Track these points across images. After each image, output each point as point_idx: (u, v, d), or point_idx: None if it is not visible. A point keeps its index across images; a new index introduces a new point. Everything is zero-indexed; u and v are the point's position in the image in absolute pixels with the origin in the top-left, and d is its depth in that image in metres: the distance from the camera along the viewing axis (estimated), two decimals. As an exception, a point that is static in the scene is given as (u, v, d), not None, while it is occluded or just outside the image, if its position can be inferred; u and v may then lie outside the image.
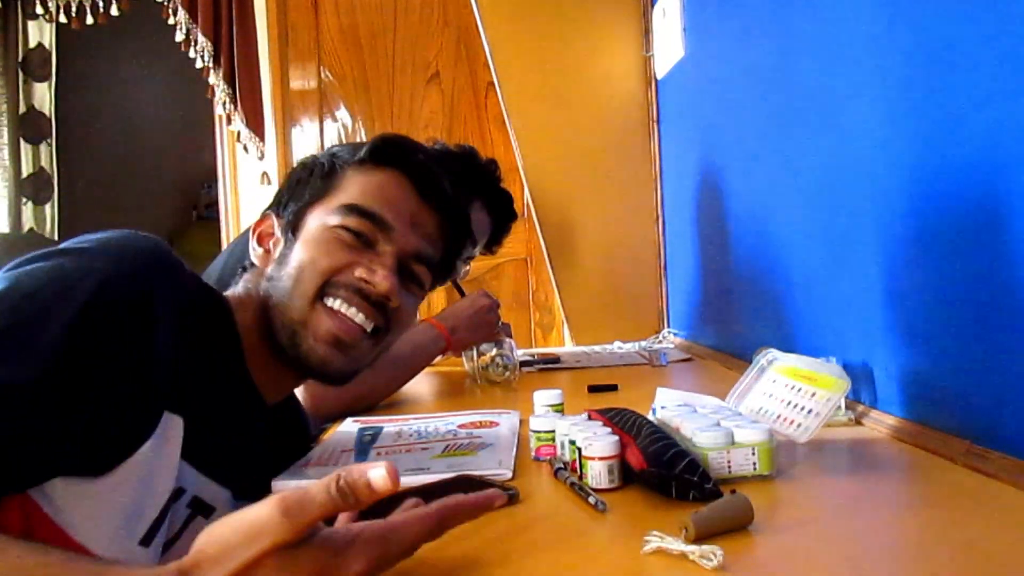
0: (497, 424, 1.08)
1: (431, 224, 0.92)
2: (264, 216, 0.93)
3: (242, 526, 0.49)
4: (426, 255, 0.90)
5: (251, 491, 0.82)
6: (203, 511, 0.78)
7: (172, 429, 0.71)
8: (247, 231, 1.54)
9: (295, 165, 0.96)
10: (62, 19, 3.00)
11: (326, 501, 0.49)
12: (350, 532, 0.52)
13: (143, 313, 0.68)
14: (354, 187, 0.88)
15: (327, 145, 2.75)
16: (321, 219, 0.87)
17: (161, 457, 0.70)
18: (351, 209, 0.86)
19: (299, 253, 0.85)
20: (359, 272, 0.84)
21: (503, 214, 1.78)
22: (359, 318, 0.84)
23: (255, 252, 0.91)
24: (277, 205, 0.93)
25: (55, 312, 0.63)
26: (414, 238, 0.89)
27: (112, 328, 0.66)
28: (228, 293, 0.90)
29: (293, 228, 0.88)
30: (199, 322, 0.78)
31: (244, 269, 0.92)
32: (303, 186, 0.90)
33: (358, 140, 0.99)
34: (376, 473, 0.50)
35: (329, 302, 0.83)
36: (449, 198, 0.93)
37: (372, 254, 0.86)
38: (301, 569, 0.49)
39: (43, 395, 0.60)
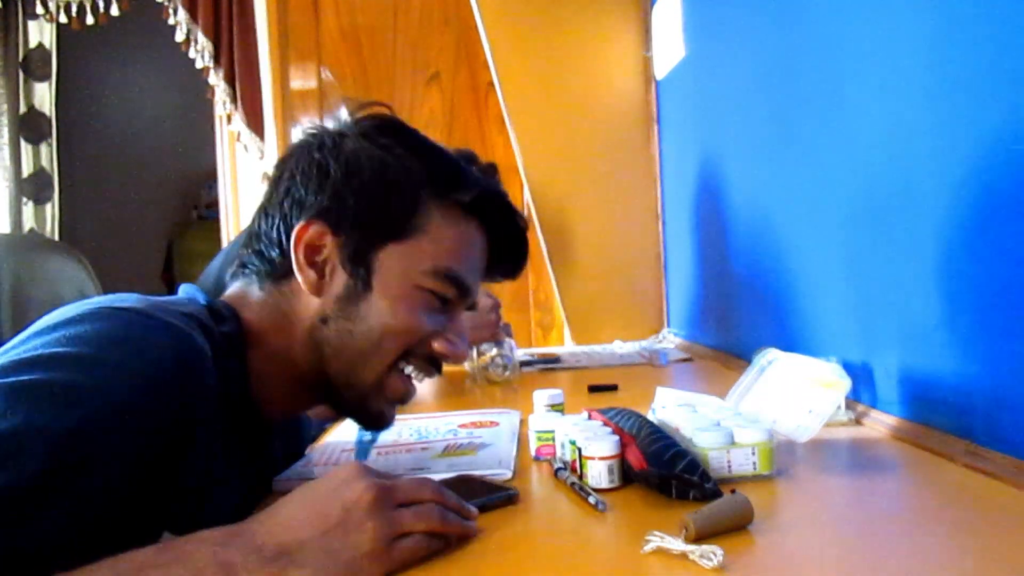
0: (497, 424, 1.08)
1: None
2: (308, 222, 0.76)
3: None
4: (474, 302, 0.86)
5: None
6: None
7: None
8: (246, 230, 1.54)
9: (352, 160, 0.77)
10: (62, 19, 3.00)
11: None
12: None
13: (175, 444, 0.62)
14: (444, 239, 0.78)
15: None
16: (405, 270, 0.77)
17: None
18: (449, 278, 0.78)
19: (379, 310, 0.76)
20: (439, 345, 0.80)
21: None
22: (422, 378, 0.82)
23: (304, 273, 0.76)
24: (327, 213, 0.76)
25: (78, 453, 0.55)
26: (476, 291, 0.84)
27: (140, 467, 0.60)
28: (235, 296, 0.79)
29: (363, 264, 0.76)
30: (226, 425, 0.71)
31: (264, 272, 0.79)
32: (373, 206, 0.76)
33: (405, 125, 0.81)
34: None
35: (402, 367, 0.79)
36: (523, 267, 0.89)
37: (447, 316, 0.81)
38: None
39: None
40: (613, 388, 1.37)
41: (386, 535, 0.59)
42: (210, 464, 0.69)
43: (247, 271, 0.81)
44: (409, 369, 0.80)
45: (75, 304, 0.66)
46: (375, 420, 0.82)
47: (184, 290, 0.79)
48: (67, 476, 0.55)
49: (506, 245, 0.86)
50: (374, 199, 0.77)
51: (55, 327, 0.62)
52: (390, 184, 0.77)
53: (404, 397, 0.81)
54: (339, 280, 0.76)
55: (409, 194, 0.77)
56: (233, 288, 0.81)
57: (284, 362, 0.77)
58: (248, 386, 0.76)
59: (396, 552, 0.59)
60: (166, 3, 2.86)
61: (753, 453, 0.77)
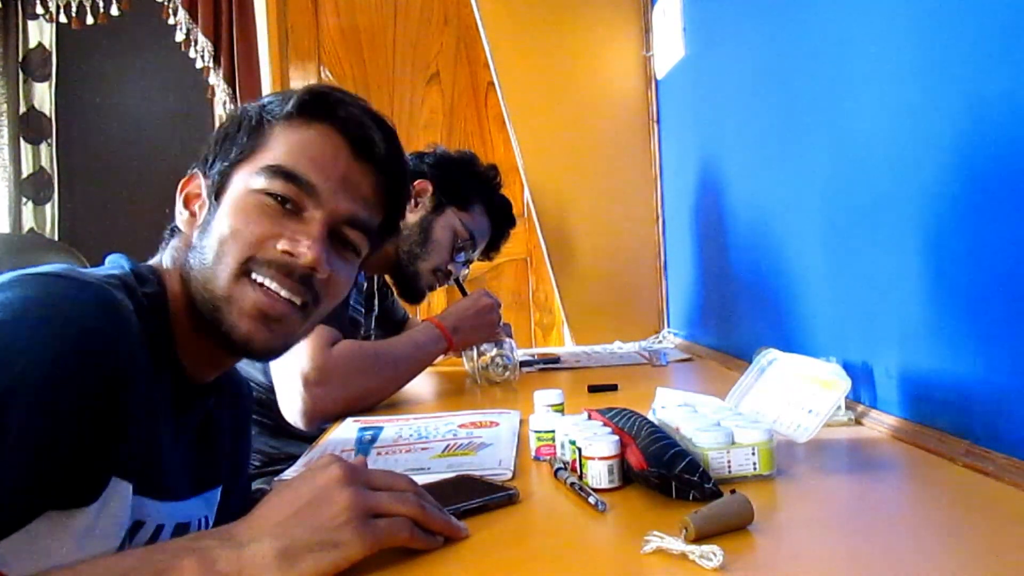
0: (497, 424, 1.08)
1: (367, 184, 0.84)
2: (191, 175, 0.85)
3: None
4: (361, 219, 0.83)
5: (209, 475, 0.86)
6: (177, 533, 0.77)
7: (120, 494, 0.66)
8: None
9: (225, 118, 0.88)
10: (62, 19, 3.00)
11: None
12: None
13: (107, 392, 0.63)
14: (280, 146, 0.81)
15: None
16: (245, 181, 0.80)
17: (103, 519, 0.65)
18: (275, 171, 0.79)
19: (221, 222, 0.79)
20: (282, 244, 0.77)
21: (502, 220, 1.78)
22: (284, 293, 0.78)
23: (180, 216, 0.83)
24: (204, 162, 0.84)
25: (11, 411, 0.57)
26: (346, 201, 0.81)
27: (75, 417, 0.61)
28: (155, 263, 0.83)
29: (218, 190, 0.81)
30: (149, 366, 0.71)
31: (172, 233, 0.85)
32: (230, 142, 0.82)
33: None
34: None
35: (253, 277, 0.77)
36: (385, 154, 0.85)
37: (297, 222, 0.79)
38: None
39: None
40: (613, 388, 1.37)
41: (361, 508, 0.59)
42: (150, 416, 0.70)
43: (165, 239, 0.85)
44: (261, 279, 0.77)
45: None
46: (244, 345, 0.79)
47: (111, 260, 0.80)
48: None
49: (357, 138, 0.84)
50: (227, 136, 0.83)
51: None
52: (240, 120, 0.83)
53: (259, 308, 0.77)
54: (203, 211, 0.81)
55: (255, 121, 0.82)
56: (156, 257, 0.85)
57: (191, 313, 0.79)
58: (174, 345, 0.78)
59: (374, 529, 0.59)
60: (166, 3, 2.86)
61: (753, 453, 0.77)
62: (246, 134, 0.82)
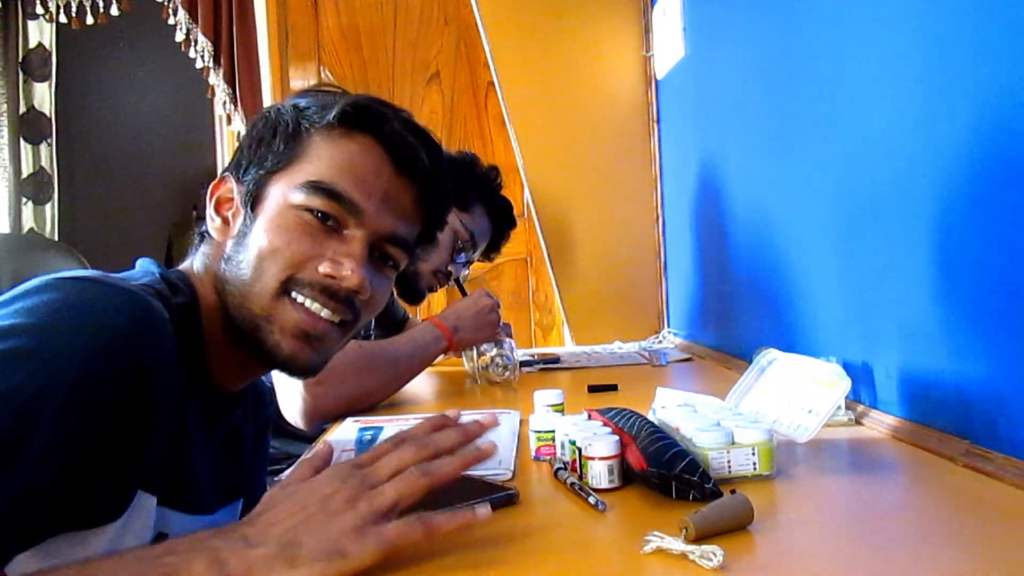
0: (497, 424, 1.08)
1: (407, 198, 0.83)
2: (222, 178, 0.82)
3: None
4: (401, 236, 0.82)
5: (232, 487, 0.85)
6: None
7: (144, 508, 0.67)
8: None
9: (257, 117, 0.84)
10: (62, 19, 3.00)
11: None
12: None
13: (138, 401, 0.62)
14: (321, 159, 0.78)
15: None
16: (283, 194, 0.77)
17: (128, 534, 0.65)
18: (317, 188, 0.76)
19: (259, 236, 0.77)
20: (324, 268, 0.76)
21: (502, 221, 1.79)
22: (325, 313, 0.77)
23: (212, 222, 0.81)
24: (237, 167, 0.81)
25: (42, 415, 0.56)
26: (388, 218, 0.80)
27: (105, 426, 0.60)
28: (186, 268, 0.82)
29: (253, 199, 0.78)
30: (187, 393, 0.73)
31: (201, 238, 0.83)
32: (265, 147, 0.80)
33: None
34: None
35: (294, 296, 0.76)
36: (428, 169, 0.83)
37: (339, 241, 0.78)
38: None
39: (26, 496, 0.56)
40: (613, 388, 1.37)
41: (372, 516, 0.59)
42: (177, 428, 0.70)
43: (195, 244, 0.84)
44: (301, 299, 0.76)
45: (32, 279, 0.66)
46: (288, 363, 0.78)
47: (141, 264, 0.80)
48: (23, 436, 0.55)
49: (400, 153, 0.82)
50: (262, 141, 0.81)
51: (10, 301, 0.62)
52: (276, 124, 0.81)
53: (301, 328, 0.76)
54: (238, 220, 0.79)
55: (291, 128, 0.80)
56: (186, 261, 0.84)
57: (222, 323, 0.78)
58: (205, 355, 0.77)
59: (383, 536, 0.58)
60: (166, 3, 2.86)
61: (753, 453, 0.77)
62: (283, 141, 0.80)
